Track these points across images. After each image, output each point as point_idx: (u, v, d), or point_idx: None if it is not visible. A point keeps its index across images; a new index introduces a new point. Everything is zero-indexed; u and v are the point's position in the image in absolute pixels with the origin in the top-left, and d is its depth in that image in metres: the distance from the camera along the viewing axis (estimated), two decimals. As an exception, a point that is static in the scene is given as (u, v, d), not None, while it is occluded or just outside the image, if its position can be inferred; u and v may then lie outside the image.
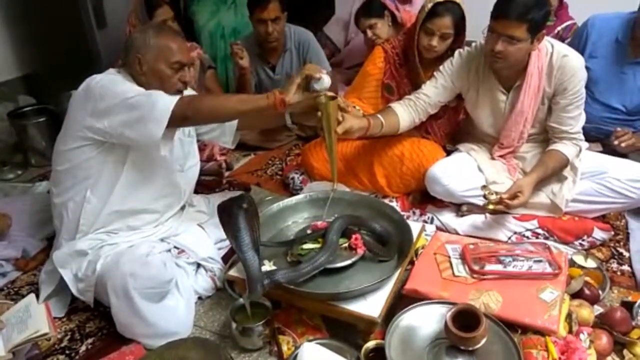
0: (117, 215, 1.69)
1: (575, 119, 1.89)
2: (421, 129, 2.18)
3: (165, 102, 1.47)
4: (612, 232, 1.98)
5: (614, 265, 1.86)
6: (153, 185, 1.72)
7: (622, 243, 1.97)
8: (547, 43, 1.86)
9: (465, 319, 1.22)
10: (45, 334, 1.35)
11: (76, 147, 1.60)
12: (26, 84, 3.24)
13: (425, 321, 1.29)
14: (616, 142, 2.11)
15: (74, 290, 1.65)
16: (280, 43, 2.77)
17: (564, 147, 1.90)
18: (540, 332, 1.31)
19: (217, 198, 2.04)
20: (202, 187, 2.30)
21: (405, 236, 1.63)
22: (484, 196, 1.82)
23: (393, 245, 1.61)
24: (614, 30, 2.25)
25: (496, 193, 1.82)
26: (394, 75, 2.15)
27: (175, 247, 1.80)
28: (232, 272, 1.64)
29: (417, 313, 1.31)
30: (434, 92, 1.99)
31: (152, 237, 1.75)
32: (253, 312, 1.56)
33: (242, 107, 1.49)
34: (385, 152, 2.12)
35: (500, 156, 2.04)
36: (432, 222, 2.08)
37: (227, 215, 1.42)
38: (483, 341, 1.19)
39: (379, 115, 1.91)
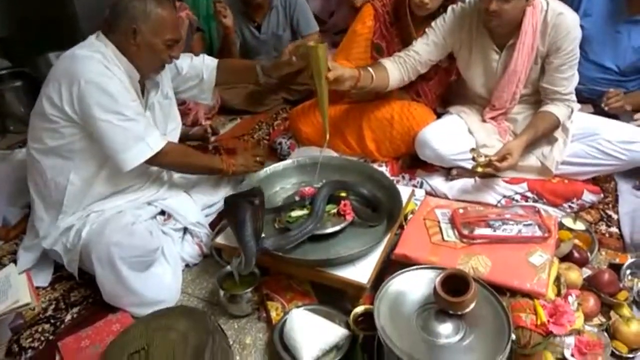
0: (102, 194, 1.66)
1: (569, 80, 1.85)
2: (412, 92, 2.13)
3: (149, 145, 1.56)
4: (602, 195, 1.97)
5: (603, 228, 1.86)
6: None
7: (611, 205, 1.97)
8: (542, 0, 1.79)
9: (454, 283, 1.20)
10: (27, 304, 1.33)
11: (55, 127, 1.54)
12: (1, 47, 3.11)
13: (414, 286, 1.28)
14: (604, 104, 2.08)
15: (65, 262, 1.62)
16: (266, 0, 2.66)
17: (556, 109, 1.86)
18: (529, 296, 1.30)
19: None
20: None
21: (395, 201, 1.61)
22: (473, 158, 1.79)
23: (382, 211, 1.59)
24: (610, -13, 2.19)
25: (485, 156, 1.79)
26: (384, 35, 2.07)
27: (161, 213, 1.77)
28: (220, 240, 1.62)
29: (406, 278, 1.30)
30: (424, 49, 1.93)
31: (139, 200, 1.72)
32: (241, 279, 1.54)
33: (206, 168, 1.81)
34: (374, 115, 2.08)
35: (492, 118, 2.01)
36: (421, 187, 2.05)
37: (234, 210, 1.41)
38: (472, 305, 1.18)
39: (369, 68, 1.86)
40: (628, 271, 1.58)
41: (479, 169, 1.79)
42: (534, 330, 1.20)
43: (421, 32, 1.98)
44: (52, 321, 1.54)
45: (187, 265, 1.75)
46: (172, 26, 1.59)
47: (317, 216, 1.50)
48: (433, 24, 1.93)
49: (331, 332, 1.37)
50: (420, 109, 2.06)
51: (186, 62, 1.86)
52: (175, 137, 1.85)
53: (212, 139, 2.55)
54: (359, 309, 1.41)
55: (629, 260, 1.61)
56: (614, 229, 1.85)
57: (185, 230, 1.79)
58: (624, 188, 2.04)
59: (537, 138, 1.85)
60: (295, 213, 1.58)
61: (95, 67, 1.51)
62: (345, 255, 1.41)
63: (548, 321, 1.21)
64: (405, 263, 1.43)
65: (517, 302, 1.27)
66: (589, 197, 1.92)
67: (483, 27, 1.87)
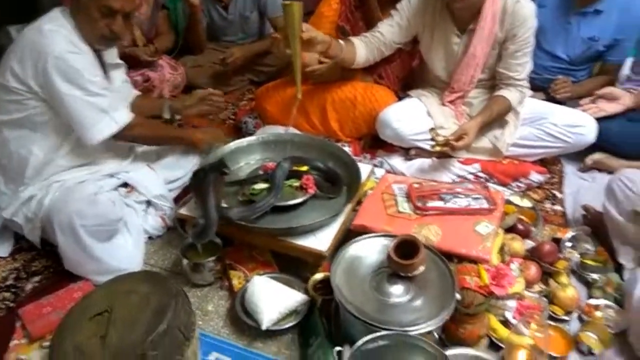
0: (64, 167, 1.66)
1: (522, 66, 1.96)
2: (375, 74, 2.20)
3: (114, 119, 1.59)
4: (548, 175, 2.10)
5: (548, 206, 1.99)
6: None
7: (556, 185, 2.10)
8: None
9: (406, 249, 1.29)
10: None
11: (18, 99, 1.54)
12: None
13: (369, 252, 1.35)
14: (551, 91, 2.21)
15: (25, 232, 1.62)
16: None
17: (509, 93, 1.97)
18: (475, 262, 1.40)
19: None
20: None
21: (355, 177, 1.68)
22: (432, 138, 1.88)
23: (340, 183, 1.65)
24: (562, -19, 2.31)
25: (443, 136, 1.88)
26: (349, 18, 2.13)
27: (123, 185, 1.78)
28: (183, 211, 1.65)
29: (362, 245, 1.37)
30: (389, 30, 2.00)
31: (101, 172, 1.73)
32: (203, 249, 1.58)
33: (175, 140, 1.89)
34: (338, 96, 2.14)
35: (450, 101, 2.10)
36: (381, 166, 2.14)
37: (199, 178, 1.46)
38: (421, 268, 1.27)
39: (340, 41, 1.93)
40: (568, 244, 1.70)
41: (437, 148, 1.89)
42: (477, 291, 1.30)
43: (386, 14, 2.04)
44: (12, 290, 1.55)
45: (150, 238, 1.78)
46: None
47: (278, 188, 1.56)
48: (398, 5, 2.00)
49: (290, 297, 1.43)
50: (382, 91, 2.13)
51: (120, 79, 1.83)
52: None
53: (177, 117, 2.55)
54: (318, 276, 1.48)
55: (569, 234, 1.73)
56: (558, 207, 1.99)
57: (149, 203, 1.81)
58: (570, 170, 2.18)
59: (491, 120, 1.96)
60: (259, 186, 1.63)
61: (62, 42, 1.50)
62: (306, 225, 1.47)
63: (490, 283, 1.31)
64: (362, 233, 1.50)
65: (463, 267, 1.37)
66: (536, 177, 2.05)
67: (446, 11, 1.96)
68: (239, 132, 2.41)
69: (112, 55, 1.74)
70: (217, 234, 1.55)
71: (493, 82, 2.08)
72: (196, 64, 2.77)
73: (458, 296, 1.26)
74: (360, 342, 1.11)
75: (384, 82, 2.22)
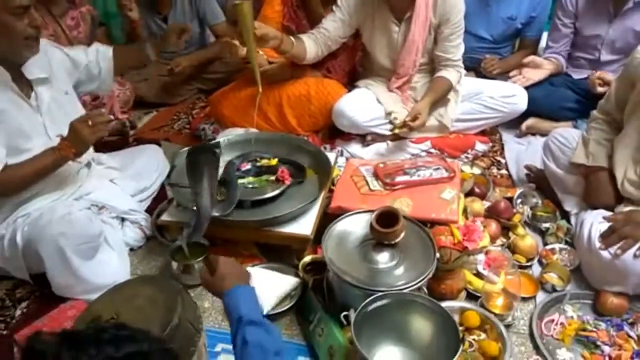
0: (16, 204, 1.60)
1: (457, 47, 2.16)
2: (323, 69, 2.33)
3: None
4: (491, 144, 2.32)
5: (494, 171, 2.20)
6: None
7: (498, 152, 2.32)
8: None
9: (386, 219, 1.41)
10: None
11: None
12: None
13: (354, 227, 1.47)
14: (482, 70, 2.44)
15: (10, 271, 1.60)
16: None
17: (448, 74, 2.16)
18: (445, 224, 1.56)
19: (126, 154, 2.03)
20: (108, 147, 2.24)
21: (324, 164, 1.79)
22: (390, 121, 2.03)
23: (302, 167, 1.77)
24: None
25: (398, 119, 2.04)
26: (293, 18, 2.24)
27: (93, 205, 1.78)
28: (164, 218, 1.69)
29: (347, 221, 1.49)
30: (333, 26, 2.13)
31: (62, 198, 1.69)
32: (191, 251, 1.62)
33: (45, 169, 1.54)
34: (293, 93, 2.24)
35: (398, 87, 2.26)
36: (342, 155, 2.26)
37: (194, 160, 1.50)
38: (402, 235, 1.40)
39: (290, 37, 2.03)
40: (518, 200, 1.91)
41: (396, 130, 2.04)
42: (453, 248, 1.45)
43: (327, 11, 2.17)
44: (1, 318, 1.52)
45: (131, 249, 1.80)
46: None
47: (233, 182, 1.66)
48: (339, 2, 2.13)
49: (284, 282, 1.52)
50: (333, 84, 2.26)
51: (81, 55, 1.81)
52: None
53: (132, 132, 2.56)
54: (307, 259, 1.58)
55: (518, 191, 1.94)
56: (503, 171, 2.20)
57: (123, 217, 1.82)
58: (508, 137, 2.41)
59: (437, 99, 2.14)
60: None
61: None
62: (288, 212, 1.56)
63: (463, 239, 1.46)
64: (340, 214, 1.62)
65: (437, 229, 1.52)
66: (480, 147, 2.26)
67: (383, 2, 2.11)
68: (197, 140, 2.44)
69: (32, 70, 1.60)
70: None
71: (432, 66, 2.26)
72: (142, 78, 2.76)
73: (438, 254, 1.40)
74: (362, 305, 1.22)
75: (333, 76, 2.35)
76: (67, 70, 1.76)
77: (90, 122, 1.51)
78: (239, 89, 2.32)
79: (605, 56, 2.33)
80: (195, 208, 1.50)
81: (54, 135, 1.62)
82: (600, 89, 2.11)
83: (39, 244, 1.48)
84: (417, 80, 2.29)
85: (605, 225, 1.47)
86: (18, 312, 1.55)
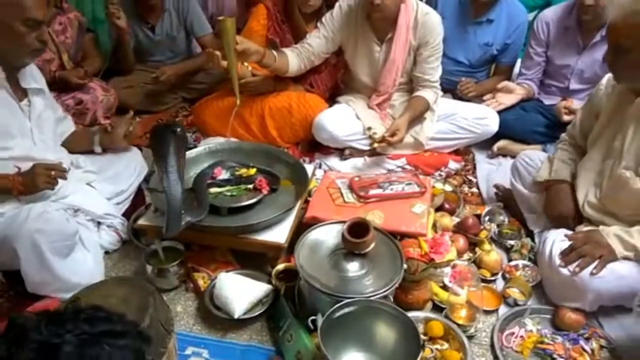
0: None
1: (435, 69, 2.26)
2: (305, 83, 2.40)
3: None
4: (463, 163, 2.41)
5: (466, 189, 2.29)
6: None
7: (470, 171, 2.41)
8: (413, 1, 2.17)
9: (357, 230, 1.47)
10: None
11: None
12: None
13: (326, 237, 1.52)
14: (459, 92, 2.54)
15: None
16: (159, 2, 2.75)
17: (426, 94, 2.25)
18: (414, 237, 1.62)
19: (103, 158, 1.99)
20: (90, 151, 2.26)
21: (301, 175, 1.84)
22: (369, 136, 2.10)
23: (276, 176, 1.83)
24: (458, -6, 2.65)
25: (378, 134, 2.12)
26: (277, 32, 2.31)
27: (69, 208, 1.79)
28: (142, 222, 1.72)
29: (319, 231, 1.54)
30: (317, 42, 2.21)
31: (37, 201, 1.67)
32: (166, 255, 1.66)
33: None
34: (275, 105, 2.31)
35: (377, 104, 2.34)
36: (320, 167, 2.32)
37: (158, 137, 1.52)
38: (372, 245, 1.45)
39: (272, 51, 2.11)
40: (486, 217, 1.99)
41: (375, 145, 2.12)
42: (420, 259, 1.51)
43: (311, 27, 2.25)
44: (-28, 316, 1.53)
45: (106, 252, 1.81)
46: (30, 4, 1.50)
47: (202, 190, 1.70)
48: (323, 19, 2.22)
49: (257, 288, 1.56)
50: (314, 98, 2.33)
51: (42, 104, 1.79)
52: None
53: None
54: (280, 267, 1.62)
55: (486, 209, 2.02)
56: (474, 189, 2.29)
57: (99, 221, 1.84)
58: (480, 158, 2.50)
59: (415, 117, 2.23)
60: (214, 190, 1.74)
61: None
62: (265, 220, 1.61)
63: (430, 251, 1.53)
64: (314, 224, 1.67)
65: (406, 241, 1.58)
66: (453, 165, 2.34)
67: (367, 23, 2.20)
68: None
69: (28, 80, 1.68)
70: (177, 239, 1.65)
71: (410, 85, 2.35)
72: (127, 85, 2.80)
73: (405, 265, 1.46)
74: (330, 311, 1.26)
75: (315, 90, 2.42)
76: (52, 107, 1.83)
77: (52, 174, 1.58)
78: (221, 98, 2.37)
79: (574, 85, 2.45)
80: (165, 191, 1.51)
81: (41, 144, 1.69)
82: (566, 118, 2.23)
83: (15, 240, 1.50)
84: (396, 98, 2.38)
85: (566, 244, 1.55)
86: (-8, 309, 1.56)
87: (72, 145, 1.91)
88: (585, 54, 2.37)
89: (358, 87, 2.41)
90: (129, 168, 2.01)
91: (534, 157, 1.92)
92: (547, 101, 2.51)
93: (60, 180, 1.73)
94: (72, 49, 2.62)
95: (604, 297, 1.50)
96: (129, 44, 2.73)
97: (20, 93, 1.66)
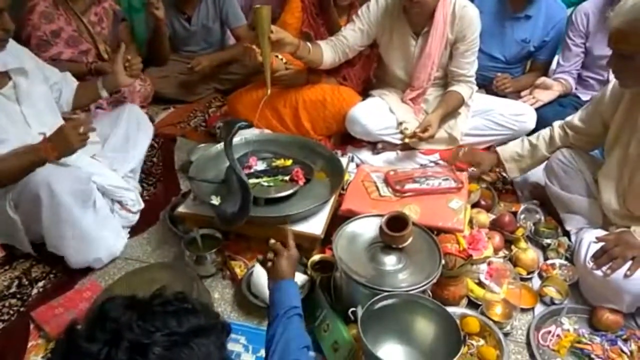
0: None
1: (471, 64, 2.23)
2: (339, 77, 2.40)
3: None
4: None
5: (500, 186, 2.25)
6: None
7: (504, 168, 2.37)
8: None
9: (396, 224, 1.47)
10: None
11: None
12: None
13: (364, 230, 1.53)
14: (495, 87, 2.51)
15: (16, 244, 1.67)
16: None
17: (461, 89, 2.23)
18: (451, 232, 1.61)
19: (104, 124, 1.98)
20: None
21: (337, 167, 1.85)
22: (401, 131, 2.09)
23: (310, 167, 1.84)
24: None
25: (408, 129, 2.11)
26: (312, 24, 2.31)
27: None
28: (181, 210, 1.75)
29: (358, 223, 1.55)
30: (352, 35, 2.21)
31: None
32: (204, 243, 1.69)
33: (23, 168, 1.51)
34: (309, 98, 2.31)
35: (411, 99, 2.32)
36: (352, 161, 2.32)
37: (229, 130, 1.54)
38: (410, 240, 1.45)
39: (307, 43, 2.11)
40: (522, 215, 1.96)
41: (406, 140, 2.11)
42: (458, 255, 1.51)
43: (344, 20, 2.25)
44: (18, 296, 1.58)
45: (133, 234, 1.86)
46: None
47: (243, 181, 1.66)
48: (359, 12, 2.22)
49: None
50: (348, 91, 2.33)
51: (52, 73, 1.84)
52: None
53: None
54: (316, 257, 1.64)
55: (522, 207, 2.00)
56: (508, 187, 2.25)
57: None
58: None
59: (448, 112, 2.21)
60: (252, 180, 1.76)
61: None
62: (301, 211, 1.62)
63: (468, 247, 1.52)
64: (350, 217, 1.68)
65: (444, 236, 1.57)
66: (488, 162, 2.31)
67: (403, 16, 2.18)
68: (213, 137, 2.51)
69: (6, 60, 1.62)
70: (215, 227, 1.68)
71: (446, 80, 2.33)
72: (162, 75, 2.84)
73: (443, 260, 1.46)
74: (370, 302, 1.27)
75: (348, 84, 2.42)
76: (42, 77, 1.78)
77: (81, 129, 1.54)
78: (255, 89, 2.39)
79: (612, 76, 2.39)
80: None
81: (36, 124, 1.65)
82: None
83: (31, 191, 1.49)
84: (430, 93, 2.36)
85: (598, 246, 1.53)
86: (35, 291, 1.61)
87: (79, 99, 1.90)
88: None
89: (391, 81, 2.39)
90: (133, 131, 2.00)
91: (568, 156, 1.87)
92: (584, 97, 2.46)
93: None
94: (109, 39, 2.67)
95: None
96: (165, 35, 2.77)
97: (2, 77, 1.60)
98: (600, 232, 1.63)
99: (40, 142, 1.53)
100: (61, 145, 1.52)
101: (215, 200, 1.69)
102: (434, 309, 1.30)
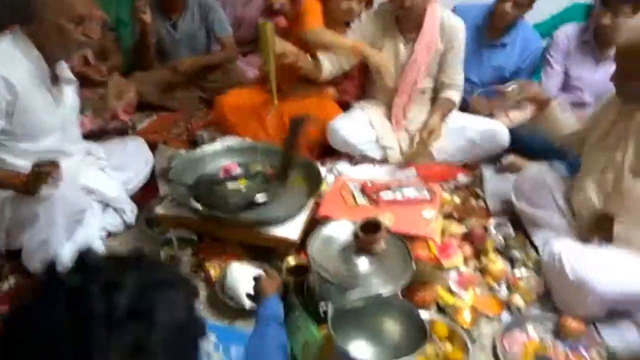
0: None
1: (460, 74, 2.37)
2: (338, 87, 2.51)
3: None
4: (471, 177, 2.45)
5: (473, 201, 2.32)
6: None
7: (477, 184, 2.44)
8: (440, 6, 2.27)
9: (369, 229, 1.51)
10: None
11: None
12: None
13: (338, 234, 1.56)
14: (472, 108, 2.61)
15: None
16: None
17: (452, 95, 2.35)
18: (424, 240, 1.67)
19: (112, 145, 2.10)
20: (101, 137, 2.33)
21: (315, 174, 1.91)
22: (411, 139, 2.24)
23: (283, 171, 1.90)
24: (475, 18, 2.71)
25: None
26: None
27: (83, 188, 1.81)
28: (159, 211, 1.77)
29: (333, 227, 1.58)
30: None
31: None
32: (178, 244, 1.71)
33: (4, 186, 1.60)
34: (293, 109, 2.35)
35: (395, 112, 2.40)
36: (331, 171, 2.37)
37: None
38: (383, 245, 1.49)
39: (308, 55, 2.23)
40: (493, 229, 2.02)
41: (414, 146, 2.24)
42: (429, 261, 1.55)
43: (339, 31, 2.35)
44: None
45: (109, 235, 1.87)
46: (76, 1, 1.58)
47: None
48: (352, 25, 2.32)
49: (267, 281, 1.59)
50: (329, 104, 2.41)
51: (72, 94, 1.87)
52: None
53: (130, 132, 2.64)
54: (290, 261, 1.67)
55: (494, 221, 2.06)
56: (481, 203, 2.32)
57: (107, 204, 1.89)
58: (488, 173, 2.53)
59: (445, 115, 2.31)
60: (231, 184, 1.80)
61: None
62: (278, 216, 1.66)
63: (438, 254, 1.57)
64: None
65: (415, 243, 1.62)
66: (462, 178, 2.39)
67: (394, 25, 2.30)
68: (194, 145, 2.52)
69: (65, 70, 1.77)
70: (189, 229, 1.71)
71: (431, 95, 2.43)
72: (146, 79, 2.84)
73: (414, 265, 1.50)
74: (339, 301, 1.30)
75: (346, 96, 2.52)
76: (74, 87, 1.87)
77: (53, 176, 1.54)
78: (250, 97, 2.44)
79: (588, 98, 2.50)
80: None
81: (65, 131, 1.76)
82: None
83: (31, 205, 1.55)
84: (414, 112, 2.43)
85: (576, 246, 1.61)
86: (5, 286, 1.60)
87: None
88: (601, 67, 2.42)
89: (377, 92, 2.47)
90: (137, 155, 2.09)
91: (536, 171, 1.95)
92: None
93: (75, 164, 1.80)
94: (96, 46, 2.70)
95: (609, 300, 1.53)
96: (151, 41, 2.80)
97: (54, 83, 1.71)
98: (569, 240, 1.69)
99: (22, 174, 1.56)
100: (30, 184, 1.54)
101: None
102: (400, 307, 1.34)
